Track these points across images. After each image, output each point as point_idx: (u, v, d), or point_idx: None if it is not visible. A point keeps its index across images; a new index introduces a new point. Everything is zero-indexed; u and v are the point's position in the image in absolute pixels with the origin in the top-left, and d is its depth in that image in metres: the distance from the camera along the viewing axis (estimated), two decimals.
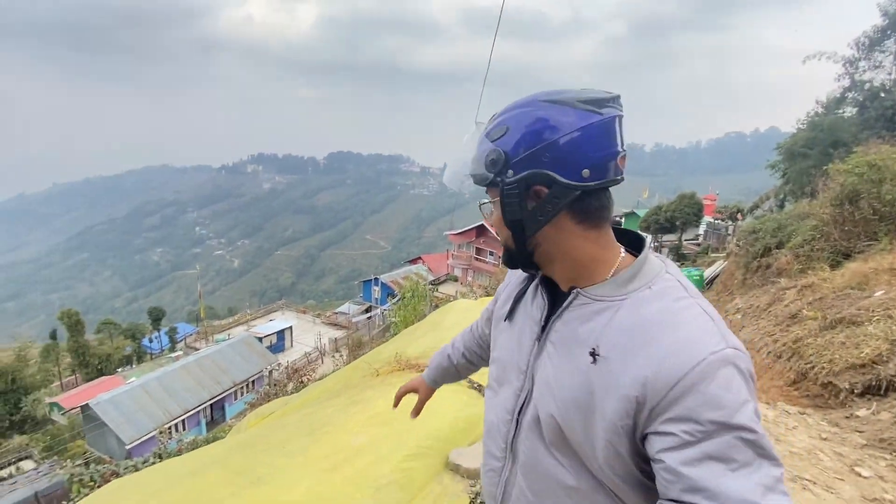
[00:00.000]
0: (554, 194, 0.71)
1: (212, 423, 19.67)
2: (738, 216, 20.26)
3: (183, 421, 18.57)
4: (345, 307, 34.45)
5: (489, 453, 0.89)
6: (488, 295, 11.12)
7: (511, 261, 0.83)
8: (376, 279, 31.36)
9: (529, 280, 0.89)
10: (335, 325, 30.61)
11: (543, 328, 0.80)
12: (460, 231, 32.98)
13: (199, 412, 19.36)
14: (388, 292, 28.23)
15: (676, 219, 20.85)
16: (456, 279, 32.34)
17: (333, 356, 14.95)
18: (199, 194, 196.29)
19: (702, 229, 22.19)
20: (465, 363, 1.24)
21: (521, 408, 0.81)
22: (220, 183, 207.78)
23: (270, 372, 18.84)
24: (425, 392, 1.28)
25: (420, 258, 37.51)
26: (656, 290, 0.71)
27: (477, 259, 32.18)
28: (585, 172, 0.70)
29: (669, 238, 21.78)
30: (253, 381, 21.53)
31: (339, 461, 2.10)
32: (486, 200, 0.83)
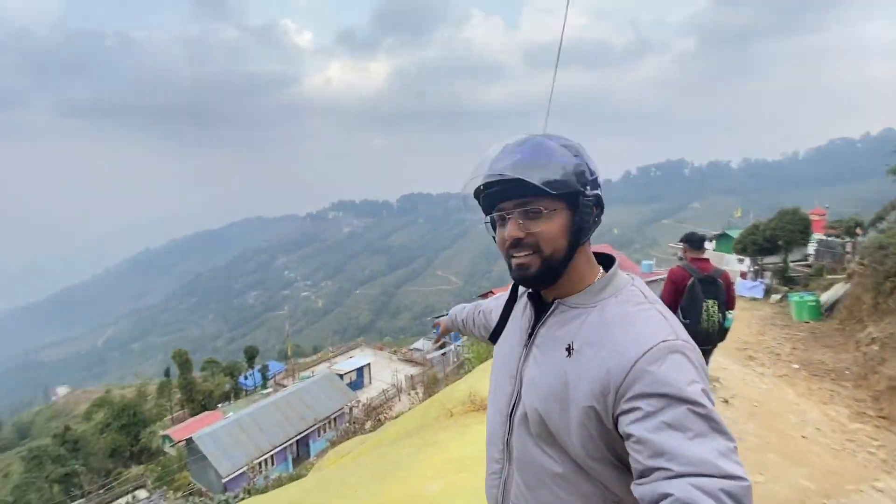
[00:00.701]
0: (598, 215, 0.87)
1: (297, 460, 20.35)
2: (858, 231, 17.51)
3: (272, 456, 19.43)
4: (419, 343, 34.75)
5: (490, 458, 0.97)
6: None
7: (549, 274, 0.86)
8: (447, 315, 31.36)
9: (513, 299, 1.03)
10: (411, 361, 30.86)
11: (530, 336, 0.91)
12: None
13: (285, 448, 20.18)
14: None
15: (778, 238, 18.50)
16: None
17: (409, 393, 14.94)
18: (288, 241, 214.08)
19: (811, 248, 19.49)
20: (470, 329, 1.54)
21: (513, 408, 0.90)
22: (305, 230, 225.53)
23: (351, 409, 19.28)
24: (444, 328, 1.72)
25: (491, 291, 37.02)
26: (621, 298, 0.84)
27: None
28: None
29: (772, 260, 19.37)
30: (335, 418, 22.13)
31: None
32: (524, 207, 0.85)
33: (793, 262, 19.31)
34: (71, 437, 27.33)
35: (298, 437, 20.72)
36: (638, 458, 0.68)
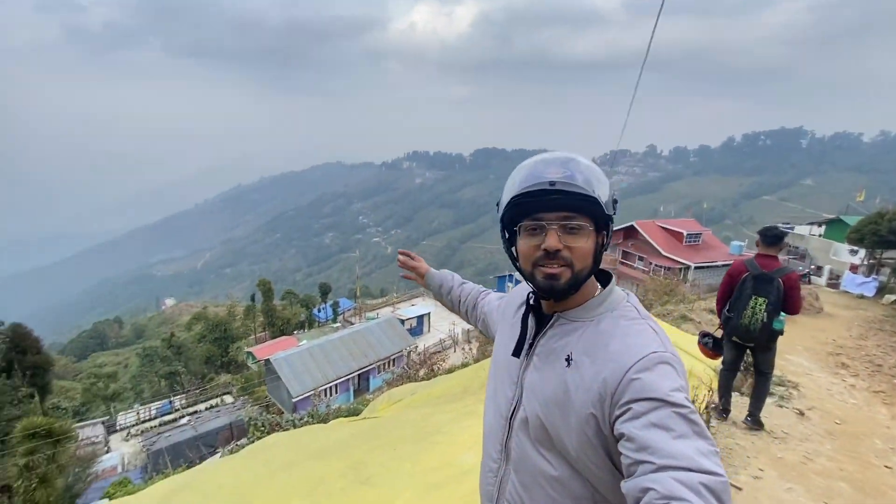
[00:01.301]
0: (606, 240, 0.94)
1: (358, 391, 22.18)
2: None
3: (336, 385, 21.35)
4: (501, 302, 35.27)
5: (488, 455, 1.03)
6: None
7: (574, 288, 0.91)
8: (510, 275, 31.33)
9: (527, 311, 1.03)
10: None
11: (531, 346, 0.97)
12: None
13: (349, 380, 22.03)
14: None
15: None
16: None
17: (464, 347, 15.39)
18: (364, 188, 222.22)
19: None
20: (455, 304, 1.50)
21: (513, 412, 0.96)
22: (380, 178, 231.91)
23: (409, 354, 20.36)
24: (420, 278, 1.57)
25: None
26: (616, 314, 0.91)
27: (623, 263, 29.54)
28: None
29: (893, 255, 16.66)
30: (394, 360, 23.59)
31: (446, 478, 2.05)
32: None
33: None
34: (175, 343, 32.00)
35: (360, 372, 22.47)
36: (626, 454, 0.74)
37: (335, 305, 39.08)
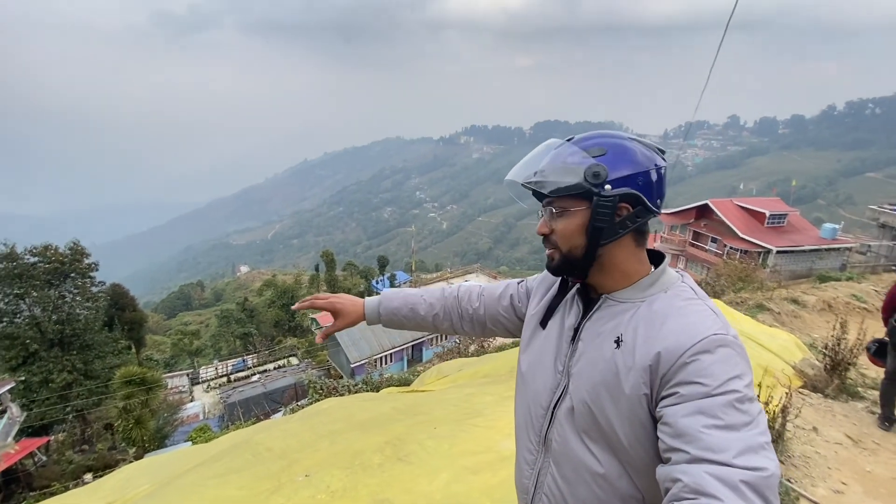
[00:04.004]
0: (636, 213, 0.85)
1: (412, 361, 22.96)
2: None
3: (391, 354, 22.22)
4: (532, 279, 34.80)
5: (523, 447, 0.97)
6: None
7: (568, 268, 0.90)
8: None
9: (562, 290, 1.00)
10: None
11: (576, 330, 0.91)
12: (676, 210, 28.50)
13: (403, 350, 22.82)
14: None
15: None
16: None
17: None
18: (422, 163, 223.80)
19: None
20: (439, 322, 1.23)
21: (558, 402, 0.90)
22: (438, 153, 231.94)
23: None
24: (351, 320, 1.21)
25: None
26: (670, 293, 0.85)
27: (693, 245, 27.51)
28: (659, 202, 0.87)
29: None
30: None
31: (483, 463, 2.00)
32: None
33: None
34: (248, 307, 34.79)
35: (413, 344, 23.18)
36: (663, 439, 0.70)
37: (392, 278, 40.34)
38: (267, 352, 29.48)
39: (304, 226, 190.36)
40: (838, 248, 22.96)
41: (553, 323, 0.99)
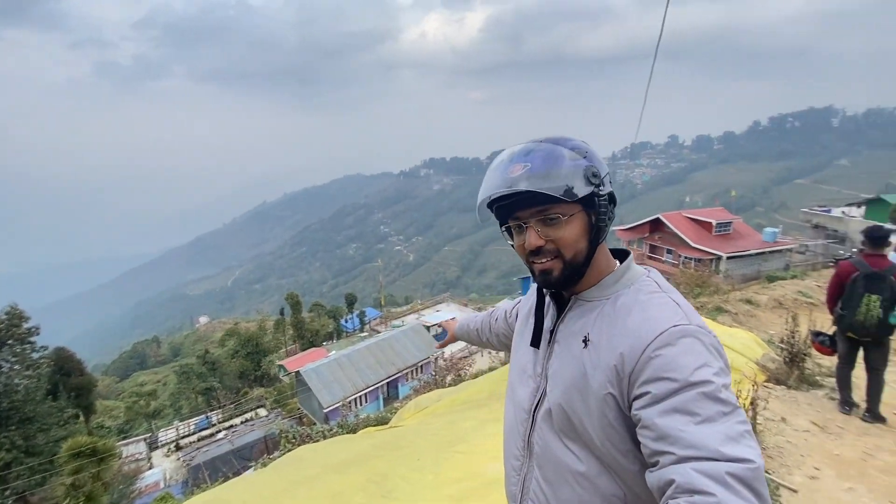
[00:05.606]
0: (613, 209, 0.87)
1: (388, 399, 22.18)
2: None
3: (366, 394, 21.42)
4: (502, 303, 35.02)
5: (510, 453, 0.98)
6: None
7: (575, 276, 0.87)
8: None
9: (541, 297, 0.99)
10: None
11: (552, 333, 0.93)
12: (632, 226, 29.83)
13: (378, 388, 22.07)
14: None
15: None
16: None
17: (490, 352, 15.20)
18: (383, 197, 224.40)
19: None
20: (486, 337, 1.47)
21: (537, 405, 0.91)
22: (399, 187, 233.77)
23: (436, 360, 20.25)
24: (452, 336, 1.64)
25: None
26: (634, 288, 0.86)
27: (650, 257, 28.70)
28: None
29: None
30: (421, 366, 23.52)
31: (468, 490, 1.93)
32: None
33: None
34: (210, 359, 32.84)
35: (388, 380, 22.48)
36: (645, 443, 0.70)
37: (362, 315, 39.41)
38: (232, 405, 27.75)
39: (266, 269, 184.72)
40: (780, 250, 24.56)
41: (526, 332, 1.00)
